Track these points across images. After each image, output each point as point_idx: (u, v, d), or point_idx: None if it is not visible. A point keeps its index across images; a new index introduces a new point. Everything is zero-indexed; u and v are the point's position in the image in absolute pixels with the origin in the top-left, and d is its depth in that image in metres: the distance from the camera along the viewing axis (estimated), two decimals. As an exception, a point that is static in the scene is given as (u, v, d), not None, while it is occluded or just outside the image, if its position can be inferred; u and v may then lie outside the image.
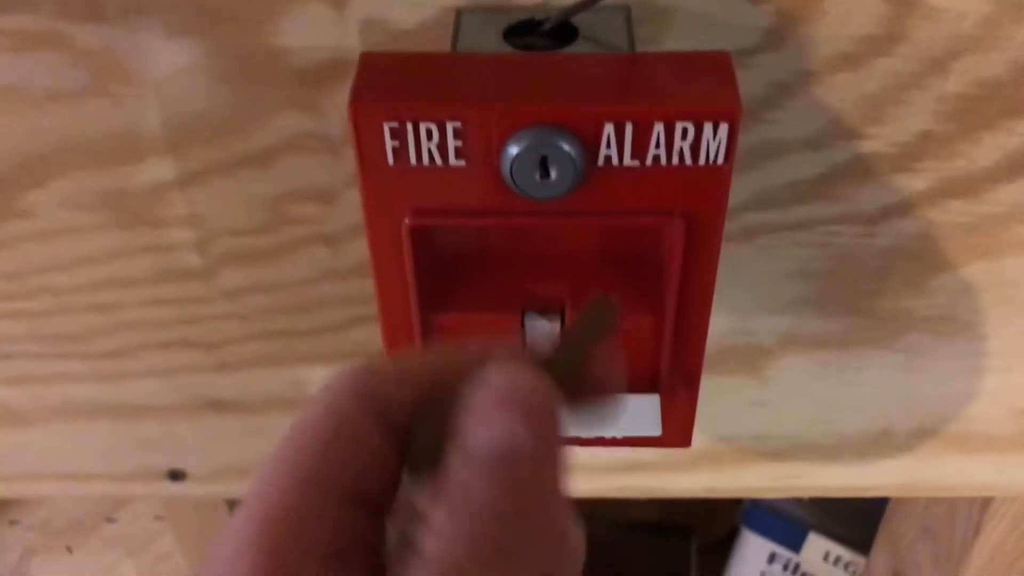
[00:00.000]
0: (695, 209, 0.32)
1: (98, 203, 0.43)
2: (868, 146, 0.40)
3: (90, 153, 0.41)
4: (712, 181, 0.31)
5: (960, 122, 0.39)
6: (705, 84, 0.31)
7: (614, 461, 0.52)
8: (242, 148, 0.41)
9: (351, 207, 0.42)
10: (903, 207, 0.42)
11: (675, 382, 0.36)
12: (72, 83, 0.39)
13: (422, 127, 0.30)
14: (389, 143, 0.30)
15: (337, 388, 0.23)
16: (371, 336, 0.47)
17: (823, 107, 0.39)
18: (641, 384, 0.36)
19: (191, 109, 0.40)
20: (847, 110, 0.39)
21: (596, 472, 0.53)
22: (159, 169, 0.42)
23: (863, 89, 0.39)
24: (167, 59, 0.38)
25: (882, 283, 0.44)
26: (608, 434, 0.36)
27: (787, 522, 0.97)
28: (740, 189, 0.41)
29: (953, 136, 0.40)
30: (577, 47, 0.34)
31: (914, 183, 0.41)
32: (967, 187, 0.41)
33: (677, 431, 0.38)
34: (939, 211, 0.42)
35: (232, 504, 0.60)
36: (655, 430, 0.36)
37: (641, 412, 0.36)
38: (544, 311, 0.36)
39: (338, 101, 0.39)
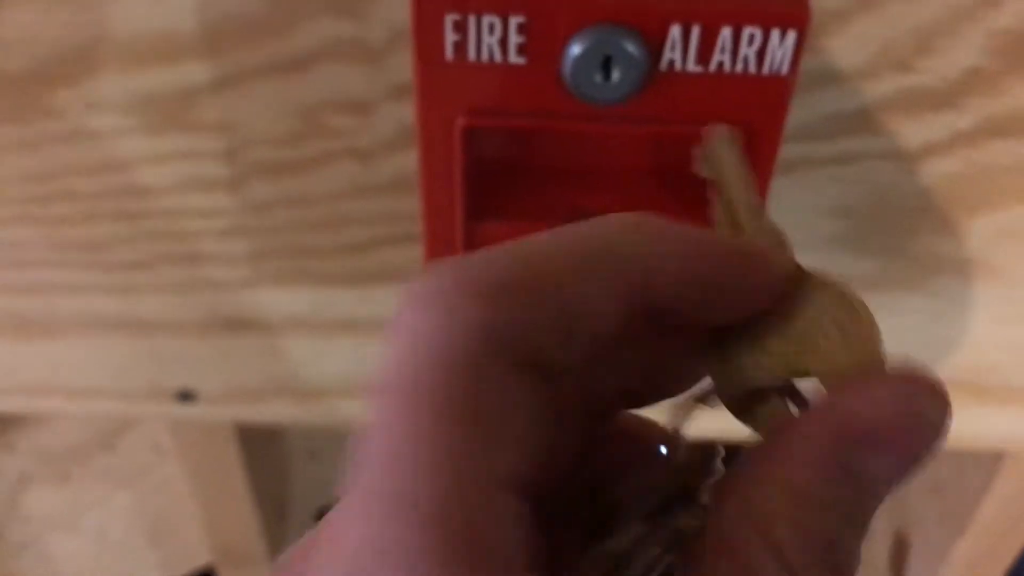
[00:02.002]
0: (755, 120, 0.31)
1: (129, 105, 0.42)
2: (915, 80, 0.40)
3: (124, 52, 0.40)
4: (774, 91, 0.31)
5: (1009, 59, 0.39)
6: (773, -9, 0.30)
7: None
8: (278, 52, 0.40)
9: (386, 120, 0.42)
10: (946, 144, 0.41)
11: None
12: (109, -25, 0.38)
13: (485, 20, 0.29)
14: (450, 36, 0.30)
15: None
16: (397, 257, 0.46)
17: (874, 36, 0.39)
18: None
19: (229, 9, 0.39)
20: (898, 41, 0.39)
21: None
22: (193, 71, 0.41)
23: (916, 19, 0.38)
24: (209, -46, 0.37)
25: (918, 223, 0.44)
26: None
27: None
28: (783, 119, 0.41)
29: (1001, 73, 0.39)
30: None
31: (959, 120, 0.41)
32: (1012, 127, 0.41)
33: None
34: (981, 151, 0.42)
35: (242, 429, 0.60)
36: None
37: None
38: (589, 225, 0.35)
39: (379, 6, 0.38)
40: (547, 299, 0.18)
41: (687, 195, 0.35)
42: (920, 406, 0.19)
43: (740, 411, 0.22)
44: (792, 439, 0.19)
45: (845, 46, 0.39)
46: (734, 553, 0.18)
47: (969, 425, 0.51)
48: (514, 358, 0.18)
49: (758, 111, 0.31)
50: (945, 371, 0.49)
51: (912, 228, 0.44)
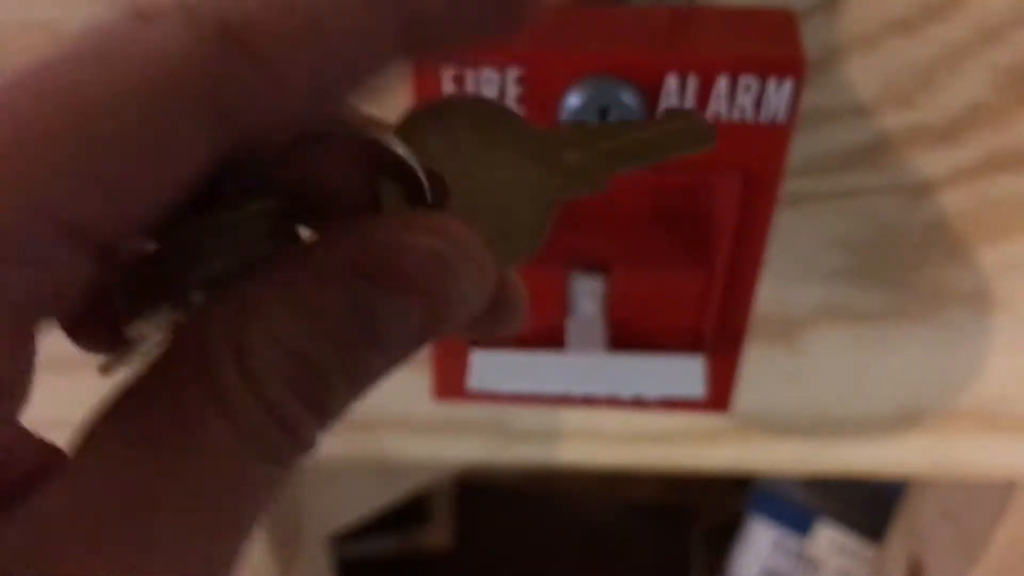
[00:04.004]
0: (753, 167, 0.31)
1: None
2: (917, 115, 0.40)
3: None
4: (772, 139, 0.31)
5: (1011, 93, 0.39)
6: (769, 40, 0.30)
7: (632, 431, 0.52)
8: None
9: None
10: (949, 179, 0.41)
11: (719, 343, 0.36)
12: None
13: (483, 74, 0.29)
14: (448, 89, 0.30)
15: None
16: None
17: (874, 73, 0.39)
18: (684, 343, 0.36)
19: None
20: (898, 77, 0.39)
21: (612, 442, 0.52)
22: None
23: (916, 56, 0.38)
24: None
25: (923, 256, 0.44)
26: (646, 393, 0.36)
27: (795, 508, 0.97)
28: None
29: (1003, 108, 0.39)
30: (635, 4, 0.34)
31: (961, 154, 0.41)
32: (1014, 160, 0.41)
33: (717, 394, 0.38)
34: (985, 184, 0.41)
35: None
36: (697, 390, 0.36)
37: (683, 372, 0.36)
38: (590, 269, 0.35)
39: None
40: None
41: (688, 238, 0.35)
42: (456, 267, 0.17)
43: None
44: (322, 247, 0.17)
45: (847, 83, 0.39)
46: (198, 341, 0.17)
47: (980, 455, 0.51)
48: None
49: (757, 157, 0.31)
50: (954, 402, 0.49)
51: (918, 261, 0.44)
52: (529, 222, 0.20)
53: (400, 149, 0.18)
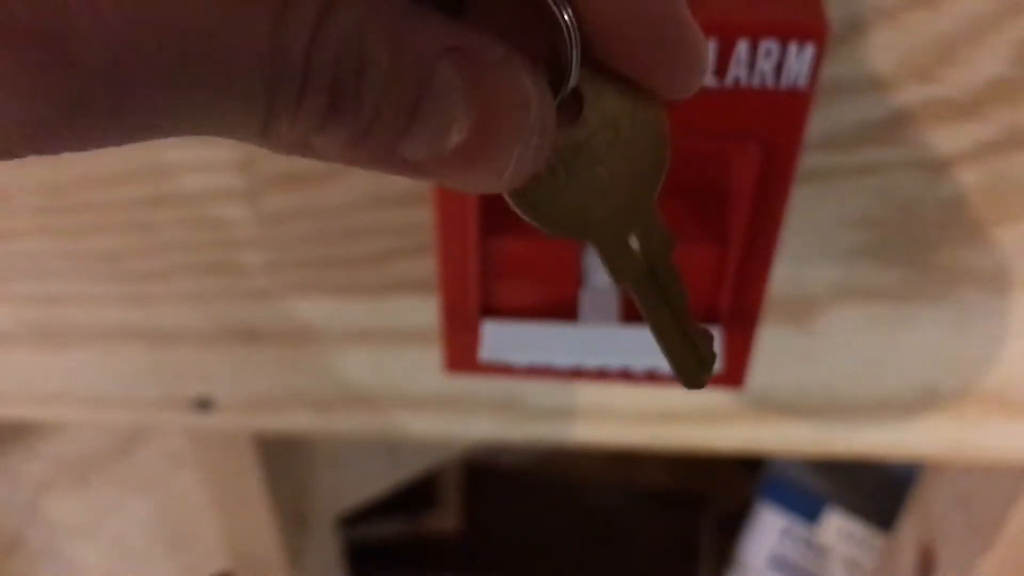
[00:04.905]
0: (772, 134, 0.31)
1: (144, 117, 0.42)
2: (938, 90, 0.39)
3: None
4: (792, 105, 0.30)
5: (1035, 69, 0.38)
6: (791, 3, 0.30)
7: (644, 410, 0.52)
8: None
9: (401, 133, 0.41)
10: (970, 155, 0.41)
11: (734, 318, 0.35)
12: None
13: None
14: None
15: None
16: (411, 269, 0.46)
17: (895, 46, 0.38)
18: (699, 318, 0.35)
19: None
20: (919, 51, 0.38)
21: (624, 422, 0.52)
22: (208, 84, 0.41)
23: (937, 29, 0.37)
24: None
25: (941, 234, 0.43)
26: (661, 366, 0.35)
27: (805, 496, 0.97)
28: (803, 129, 0.40)
29: (1025, 83, 0.39)
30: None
31: (981, 131, 0.40)
32: (1037, 138, 0.40)
33: (731, 370, 0.37)
34: (1005, 161, 0.41)
35: (260, 437, 0.60)
36: (713, 365, 0.35)
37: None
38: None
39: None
40: None
41: (704, 210, 0.35)
42: (530, 125, 0.18)
43: None
44: (443, 15, 0.17)
45: (867, 56, 0.38)
46: None
47: (995, 439, 0.50)
48: None
49: (776, 125, 0.30)
50: (970, 384, 0.49)
51: (936, 239, 0.43)
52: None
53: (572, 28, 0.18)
